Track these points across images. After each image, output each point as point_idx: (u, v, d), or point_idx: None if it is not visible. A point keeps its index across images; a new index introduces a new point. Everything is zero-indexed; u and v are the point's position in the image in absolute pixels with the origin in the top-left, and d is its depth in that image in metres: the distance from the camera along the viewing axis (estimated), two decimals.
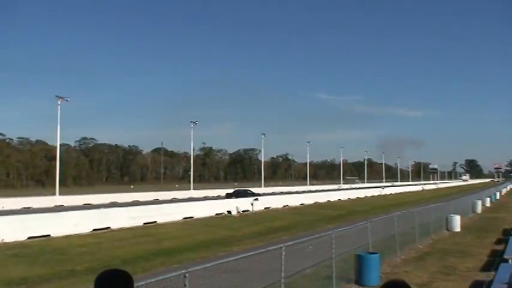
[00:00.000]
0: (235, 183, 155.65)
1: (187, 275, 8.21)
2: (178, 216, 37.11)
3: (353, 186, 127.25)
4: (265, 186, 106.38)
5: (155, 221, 34.47)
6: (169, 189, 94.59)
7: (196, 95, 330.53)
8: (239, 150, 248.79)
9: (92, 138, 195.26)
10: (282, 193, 78.52)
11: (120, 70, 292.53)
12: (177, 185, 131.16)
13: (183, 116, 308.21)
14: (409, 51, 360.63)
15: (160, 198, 65.00)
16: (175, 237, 28.29)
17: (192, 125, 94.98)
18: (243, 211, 43.94)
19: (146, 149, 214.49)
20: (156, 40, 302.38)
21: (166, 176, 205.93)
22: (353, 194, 76.90)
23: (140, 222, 33.20)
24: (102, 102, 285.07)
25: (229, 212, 42.60)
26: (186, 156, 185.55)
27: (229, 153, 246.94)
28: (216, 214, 41.33)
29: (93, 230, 29.62)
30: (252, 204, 46.12)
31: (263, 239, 27.87)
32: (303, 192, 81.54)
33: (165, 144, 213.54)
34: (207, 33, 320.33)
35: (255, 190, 73.61)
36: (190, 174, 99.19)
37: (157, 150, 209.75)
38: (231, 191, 69.16)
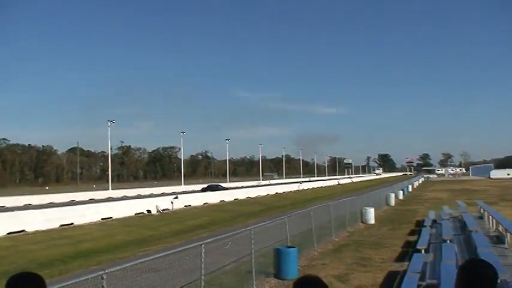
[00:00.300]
0: (155, 182, 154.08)
1: (104, 276, 8.14)
2: (96, 217, 36.35)
3: (272, 182, 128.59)
4: (185, 184, 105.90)
5: (72, 223, 33.65)
6: (86, 189, 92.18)
7: (113, 93, 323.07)
8: (158, 148, 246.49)
9: (4, 139, 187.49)
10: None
11: (33, 68, 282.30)
12: (94, 185, 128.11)
13: (100, 114, 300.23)
14: (324, 49, 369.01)
15: (77, 199, 63.11)
16: (94, 239, 27.81)
17: (109, 124, 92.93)
18: (163, 210, 43.65)
19: (61, 149, 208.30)
20: (70, 36, 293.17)
21: (83, 176, 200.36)
22: (272, 190, 77.44)
23: (56, 225, 32.30)
24: (14, 101, 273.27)
25: (148, 211, 42.24)
26: (104, 156, 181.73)
27: (148, 152, 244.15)
28: (136, 214, 40.82)
29: (8, 233, 28.62)
30: (172, 203, 45.85)
31: (183, 237, 27.87)
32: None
33: (82, 143, 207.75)
34: (123, 29, 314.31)
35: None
36: (108, 174, 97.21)
37: (73, 150, 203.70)
38: (205, 185, 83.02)
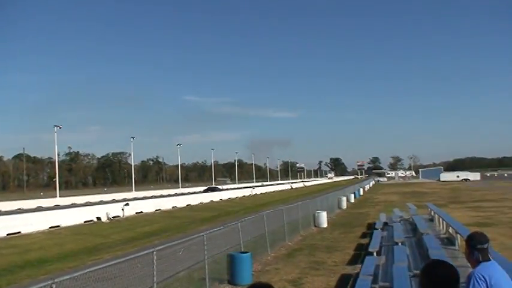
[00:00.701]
0: (105, 189, 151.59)
1: (53, 285, 7.98)
2: (44, 226, 35.46)
3: (224, 187, 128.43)
4: (136, 190, 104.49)
5: (19, 232, 32.75)
6: (33, 197, 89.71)
7: (61, 97, 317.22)
8: (108, 154, 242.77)
9: None
10: (154, 197, 77.53)
11: None
12: (42, 193, 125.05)
13: (47, 119, 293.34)
14: (274, 53, 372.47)
15: (24, 207, 61.55)
16: (42, 248, 27.10)
17: (55, 129, 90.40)
18: (114, 217, 42.92)
19: (7, 155, 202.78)
20: (15, 36, 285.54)
21: (30, 183, 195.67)
22: (225, 195, 77.38)
23: (3, 234, 31.39)
24: None
25: (98, 219, 41.41)
26: (51, 162, 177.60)
27: (98, 158, 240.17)
28: (85, 221, 39.91)
29: None
30: (122, 210, 45.14)
31: (135, 244, 27.47)
32: (175, 195, 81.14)
33: (28, 149, 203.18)
34: (72, 30, 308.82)
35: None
36: (55, 181, 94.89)
37: (19, 156, 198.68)
38: (205, 187, 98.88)
